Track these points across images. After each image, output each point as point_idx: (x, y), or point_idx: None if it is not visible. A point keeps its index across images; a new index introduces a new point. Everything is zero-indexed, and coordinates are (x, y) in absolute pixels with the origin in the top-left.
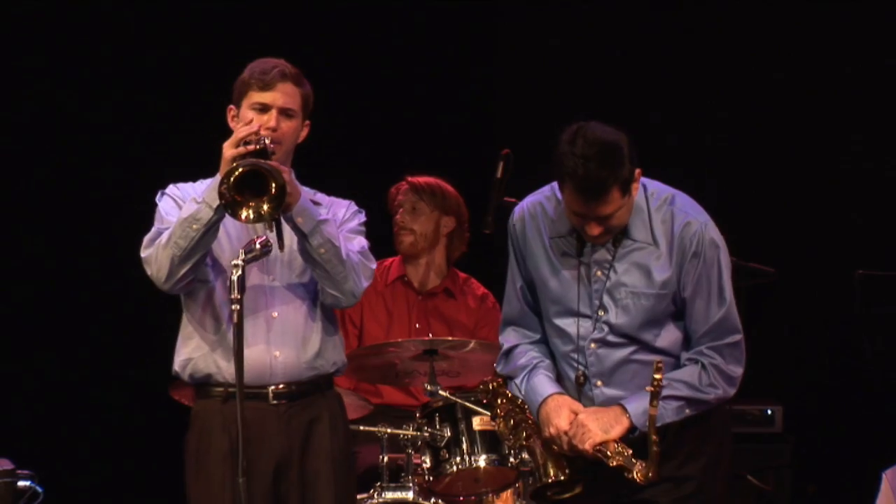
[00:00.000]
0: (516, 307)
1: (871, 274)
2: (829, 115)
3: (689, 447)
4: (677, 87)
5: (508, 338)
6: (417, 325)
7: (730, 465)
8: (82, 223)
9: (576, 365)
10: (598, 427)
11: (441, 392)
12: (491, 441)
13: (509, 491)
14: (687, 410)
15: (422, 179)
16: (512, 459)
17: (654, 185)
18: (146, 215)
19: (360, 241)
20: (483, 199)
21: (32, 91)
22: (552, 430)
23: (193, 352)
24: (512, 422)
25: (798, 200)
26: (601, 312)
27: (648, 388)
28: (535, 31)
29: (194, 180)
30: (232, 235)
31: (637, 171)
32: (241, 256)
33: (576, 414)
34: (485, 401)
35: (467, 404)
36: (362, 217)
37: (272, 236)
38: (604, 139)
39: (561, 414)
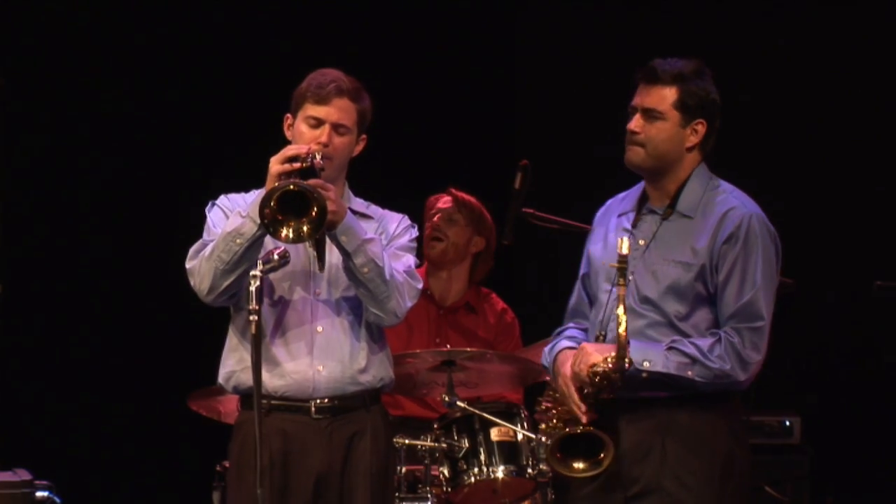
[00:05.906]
0: (575, 297)
1: (890, 285)
2: (849, 124)
3: (683, 454)
4: None
5: (565, 325)
6: (438, 340)
7: (744, 483)
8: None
9: (598, 331)
10: (595, 350)
11: (459, 403)
12: (509, 452)
13: (527, 502)
14: (689, 372)
15: (464, 195)
16: (530, 470)
17: (721, 180)
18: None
19: (408, 260)
20: (501, 210)
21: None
22: (560, 381)
23: (237, 364)
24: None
25: (817, 210)
26: (630, 277)
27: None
28: (555, 42)
29: (246, 190)
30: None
31: (701, 120)
32: (259, 267)
33: None
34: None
35: (485, 415)
36: (414, 233)
37: (311, 251)
38: (699, 62)
39: (566, 363)
